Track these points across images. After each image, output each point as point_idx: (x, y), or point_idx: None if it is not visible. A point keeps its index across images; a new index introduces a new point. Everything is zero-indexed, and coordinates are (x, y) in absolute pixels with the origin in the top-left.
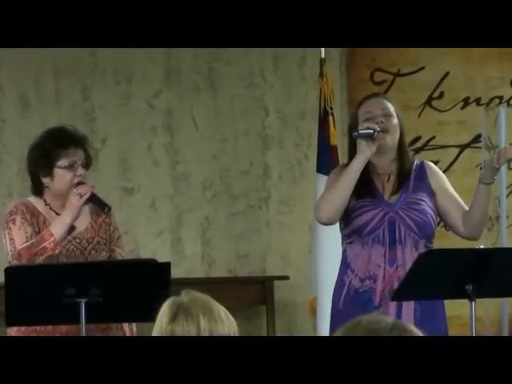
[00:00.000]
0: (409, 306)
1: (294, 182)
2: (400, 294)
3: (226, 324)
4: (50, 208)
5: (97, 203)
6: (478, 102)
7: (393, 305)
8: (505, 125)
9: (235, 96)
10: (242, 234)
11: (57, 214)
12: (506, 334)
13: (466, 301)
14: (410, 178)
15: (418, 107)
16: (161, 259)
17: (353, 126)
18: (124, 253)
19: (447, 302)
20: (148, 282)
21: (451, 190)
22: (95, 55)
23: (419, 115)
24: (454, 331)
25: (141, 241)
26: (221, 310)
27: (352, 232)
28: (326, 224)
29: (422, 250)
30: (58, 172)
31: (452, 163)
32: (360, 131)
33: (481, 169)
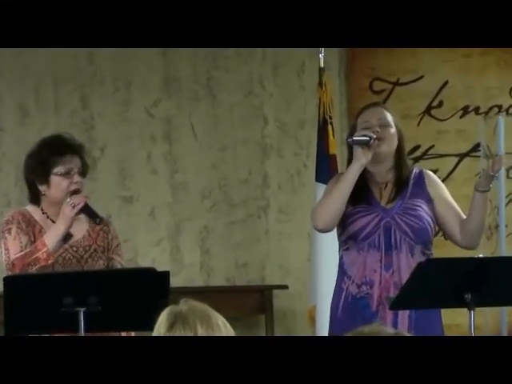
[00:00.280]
0: (404, 312)
1: (293, 190)
2: (399, 303)
3: (224, 333)
4: (47, 216)
5: (89, 214)
6: (477, 110)
7: (390, 310)
8: (504, 134)
9: (234, 104)
10: (241, 242)
11: (53, 222)
12: None
13: (465, 310)
14: (408, 185)
15: (417, 116)
16: (160, 268)
17: (351, 136)
18: (124, 261)
19: (446, 311)
20: (147, 291)
21: (449, 198)
22: (94, 63)
23: (418, 124)
24: None
25: (140, 249)
26: (219, 320)
27: (348, 238)
28: (322, 231)
29: (418, 255)
30: (54, 179)
31: (451, 172)
32: (354, 137)
33: (480, 178)
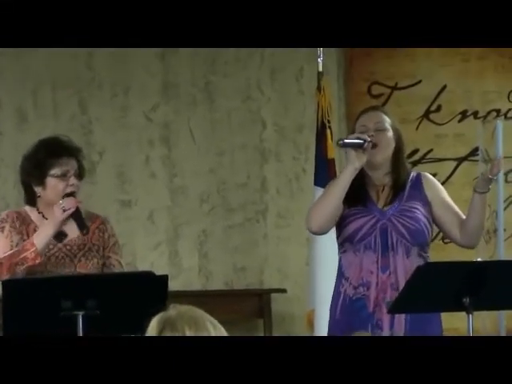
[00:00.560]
0: (400, 315)
1: (292, 195)
2: (397, 307)
3: (214, 334)
4: (43, 216)
5: (77, 221)
6: (475, 115)
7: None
8: (502, 138)
9: (232, 109)
10: (239, 246)
11: None
12: None
13: (463, 313)
14: (405, 188)
15: (416, 120)
16: (158, 272)
17: (342, 139)
18: (122, 259)
19: (445, 315)
20: (145, 295)
21: (447, 199)
22: (93, 68)
23: (417, 128)
24: None
25: (138, 253)
26: (207, 322)
27: (344, 240)
28: (316, 233)
29: (414, 257)
30: (50, 181)
31: (449, 176)
32: (345, 140)
33: (478, 180)
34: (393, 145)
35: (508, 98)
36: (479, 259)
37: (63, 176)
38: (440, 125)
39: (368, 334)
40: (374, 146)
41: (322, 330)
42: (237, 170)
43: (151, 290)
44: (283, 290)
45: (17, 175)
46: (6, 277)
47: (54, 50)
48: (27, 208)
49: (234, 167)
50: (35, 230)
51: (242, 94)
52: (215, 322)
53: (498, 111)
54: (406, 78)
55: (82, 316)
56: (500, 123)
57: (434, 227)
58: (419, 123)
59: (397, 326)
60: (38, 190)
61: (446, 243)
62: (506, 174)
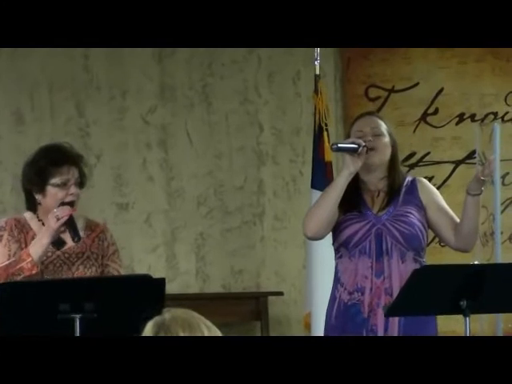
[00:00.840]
0: (395, 318)
1: (289, 198)
2: (394, 310)
3: (208, 335)
4: (43, 224)
5: (71, 230)
6: (472, 118)
7: (381, 317)
8: (499, 141)
9: (230, 112)
10: (237, 249)
11: None
12: None
13: (460, 316)
14: (400, 193)
15: (413, 123)
16: (155, 275)
17: (336, 143)
18: (122, 268)
19: (441, 318)
20: (143, 298)
21: (442, 203)
22: (90, 71)
23: (414, 131)
24: None
25: (135, 256)
26: (202, 324)
27: (340, 246)
28: (312, 239)
29: (409, 262)
30: (50, 190)
31: (446, 179)
32: (339, 145)
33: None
34: (389, 149)
35: (505, 100)
36: (476, 262)
37: (63, 185)
38: (437, 128)
39: None
40: (372, 149)
41: (318, 332)
42: (234, 173)
43: (148, 293)
44: (280, 293)
45: (14, 178)
46: None
47: (51, 52)
48: (27, 215)
49: (231, 170)
50: (33, 238)
51: (239, 97)
52: (210, 324)
53: (495, 114)
54: (403, 80)
55: (80, 319)
56: (497, 126)
57: (430, 232)
58: (416, 126)
59: (391, 330)
60: (38, 197)
61: (442, 246)
62: (502, 177)
